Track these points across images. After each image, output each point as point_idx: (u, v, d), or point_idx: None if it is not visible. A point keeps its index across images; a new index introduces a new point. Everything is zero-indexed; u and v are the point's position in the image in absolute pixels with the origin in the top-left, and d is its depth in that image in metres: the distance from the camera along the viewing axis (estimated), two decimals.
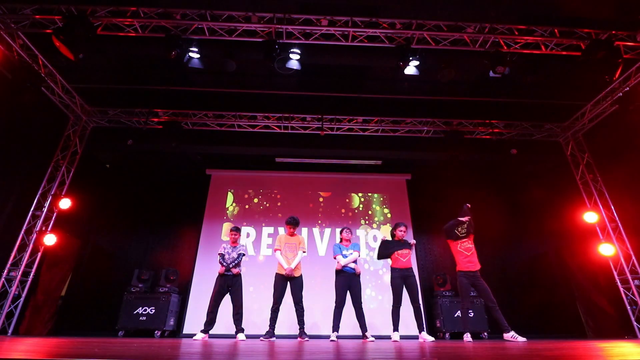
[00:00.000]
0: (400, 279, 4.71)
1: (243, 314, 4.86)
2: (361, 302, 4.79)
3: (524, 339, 4.19)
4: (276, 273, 4.92)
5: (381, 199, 8.01)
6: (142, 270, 6.44)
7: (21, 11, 4.78)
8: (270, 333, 4.59)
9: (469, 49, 5.16)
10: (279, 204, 7.82)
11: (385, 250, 4.94)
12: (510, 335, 4.29)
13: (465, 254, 4.67)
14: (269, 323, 4.65)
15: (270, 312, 4.70)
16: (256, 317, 6.24)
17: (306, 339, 4.68)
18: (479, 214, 7.24)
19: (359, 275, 4.93)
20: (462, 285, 4.60)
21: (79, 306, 6.60)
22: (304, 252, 5.01)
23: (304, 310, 4.81)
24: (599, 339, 5.30)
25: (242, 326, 4.80)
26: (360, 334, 4.81)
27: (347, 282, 4.81)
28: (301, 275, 4.94)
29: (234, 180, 8.03)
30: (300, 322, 4.75)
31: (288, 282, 4.84)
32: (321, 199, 7.93)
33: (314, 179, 8.09)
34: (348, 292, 4.82)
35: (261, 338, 4.53)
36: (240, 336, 4.73)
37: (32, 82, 5.13)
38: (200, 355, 2.12)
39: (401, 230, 5.00)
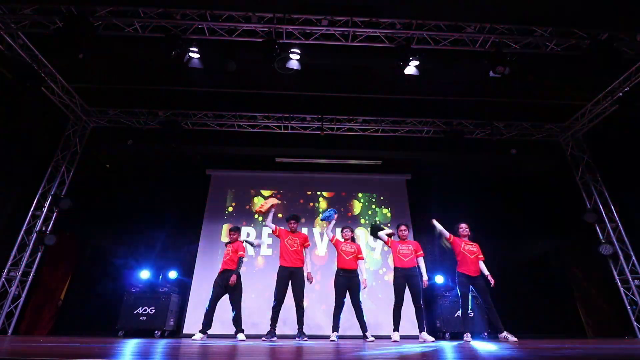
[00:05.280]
0: (402, 279, 4.70)
1: (242, 314, 4.85)
2: (360, 302, 4.78)
3: (515, 339, 4.27)
4: (279, 267, 4.89)
5: (381, 198, 8.01)
6: (142, 270, 6.44)
7: (21, 11, 4.78)
8: (272, 333, 4.58)
9: (469, 49, 5.16)
10: (279, 203, 7.81)
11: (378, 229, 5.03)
12: (502, 335, 4.37)
13: (469, 256, 4.67)
14: (270, 323, 4.63)
15: (271, 311, 4.68)
16: (256, 318, 6.23)
17: (305, 339, 4.67)
18: (479, 214, 7.26)
19: (357, 275, 4.91)
20: (462, 284, 4.61)
21: (79, 306, 6.60)
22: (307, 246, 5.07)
23: (304, 311, 4.80)
24: (599, 339, 5.30)
25: (242, 326, 4.79)
26: (361, 334, 4.81)
27: (347, 282, 4.80)
28: (302, 271, 4.89)
29: (234, 180, 8.02)
30: (300, 322, 4.74)
31: (290, 281, 4.81)
32: (321, 199, 7.93)
33: (314, 179, 8.08)
34: (347, 292, 4.81)
35: (263, 338, 4.53)
36: (240, 336, 4.72)
37: (32, 82, 5.13)
38: (200, 355, 2.12)
39: (402, 230, 5.00)
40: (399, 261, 4.78)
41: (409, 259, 4.78)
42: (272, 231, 5.05)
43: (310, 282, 4.85)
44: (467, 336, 4.45)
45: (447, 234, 4.80)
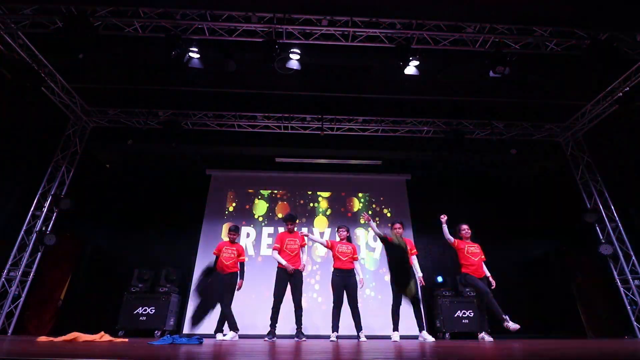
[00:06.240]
0: None
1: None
2: (357, 301, 4.77)
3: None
4: (277, 268, 4.90)
5: (381, 198, 8.01)
6: (142, 270, 6.44)
7: (21, 11, 4.78)
8: (272, 333, 4.59)
9: (469, 49, 5.16)
10: (279, 203, 7.83)
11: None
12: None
13: (473, 259, 4.66)
14: (270, 323, 4.64)
15: (271, 311, 4.69)
16: (256, 318, 6.23)
17: (303, 339, 4.67)
18: (479, 214, 7.27)
19: (354, 274, 4.91)
20: (474, 282, 4.60)
21: (79, 306, 6.60)
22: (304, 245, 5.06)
23: (302, 311, 4.81)
24: (599, 339, 5.30)
25: (230, 327, 4.75)
26: None
27: (343, 281, 4.80)
28: (301, 273, 4.90)
29: (234, 180, 8.03)
30: (298, 322, 4.74)
31: (289, 281, 4.82)
32: (321, 199, 7.93)
33: (314, 179, 8.09)
34: (344, 291, 4.81)
35: (265, 339, 4.53)
36: (219, 335, 4.75)
37: (32, 82, 5.13)
38: (200, 355, 2.12)
39: (397, 228, 5.00)
40: None
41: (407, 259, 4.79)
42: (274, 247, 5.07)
43: (302, 270, 4.90)
44: (484, 334, 4.46)
45: (451, 239, 4.76)
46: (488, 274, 4.65)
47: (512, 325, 4.21)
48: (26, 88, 5.12)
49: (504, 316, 4.28)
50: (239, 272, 4.93)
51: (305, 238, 5.08)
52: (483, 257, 4.74)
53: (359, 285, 4.85)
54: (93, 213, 7.21)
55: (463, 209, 7.42)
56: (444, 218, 4.69)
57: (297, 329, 4.74)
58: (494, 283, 4.60)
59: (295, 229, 5.20)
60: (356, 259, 4.97)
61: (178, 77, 6.22)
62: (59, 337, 3.38)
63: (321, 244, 5.13)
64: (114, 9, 4.82)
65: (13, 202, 5.84)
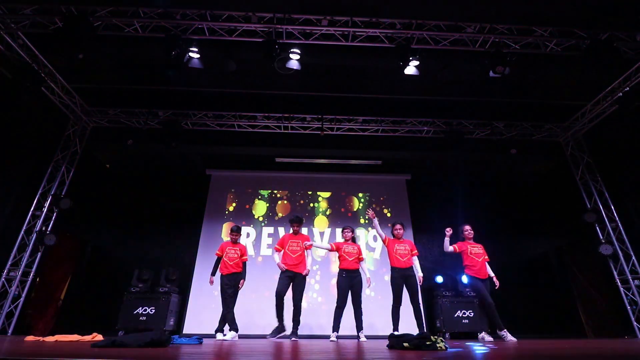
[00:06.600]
0: (400, 279, 4.71)
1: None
2: (361, 302, 4.79)
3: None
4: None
5: (381, 199, 8.01)
6: (142, 270, 6.44)
7: (21, 11, 4.78)
8: (282, 328, 4.63)
9: (469, 49, 5.15)
10: (279, 203, 7.83)
11: None
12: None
13: (477, 259, 4.67)
14: (277, 319, 4.67)
15: (275, 309, 4.71)
16: (256, 318, 6.23)
17: (293, 338, 4.67)
18: (479, 214, 7.27)
19: (359, 274, 4.91)
20: (477, 285, 4.63)
21: (79, 306, 6.61)
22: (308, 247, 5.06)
23: (301, 311, 4.82)
24: (599, 339, 5.30)
25: (231, 327, 4.79)
26: None
27: (349, 282, 4.80)
28: (305, 275, 4.93)
29: (234, 180, 8.03)
30: (295, 321, 4.75)
31: (290, 280, 4.84)
32: (321, 199, 7.93)
33: (314, 179, 8.09)
34: (349, 292, 4.82)
35: (268, 337, 4.55)
36: (219, 335, 4.78)
37: (32, 82, 5.13)
38: (200, 355, 2.12)
39: (397, 229, 5.00)
40: (397, 261, 4.79)
41: (407, 259, 4.80)
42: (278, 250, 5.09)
43: (306, 275, 4.94)
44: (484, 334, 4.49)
45: (450, 248, 4.76)
46: (492, 274, 4.67)
47: (510, 339, 4.28)
48: (26, 88, 5.12)
49: (504, 330, 4.32)
50: (241, 271, 4.96)
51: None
52: (486, 257, 4.75)
53: (365, 285, 4.86)
54: (93, 213, 7.21)
55: (462, 209, 7.45)
56: (449, 232, 4.69)
57: (292, 327, 4.76)
58: (497, 283, 4.62)
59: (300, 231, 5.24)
60: (362, 259, 4.99)
61: (178, 77, 6.22)
62: (47, 337, 3.38)
63: (326, 249, 5.16)
64: (114, 9, 4.82)
65: (13, 202, 5.84)
